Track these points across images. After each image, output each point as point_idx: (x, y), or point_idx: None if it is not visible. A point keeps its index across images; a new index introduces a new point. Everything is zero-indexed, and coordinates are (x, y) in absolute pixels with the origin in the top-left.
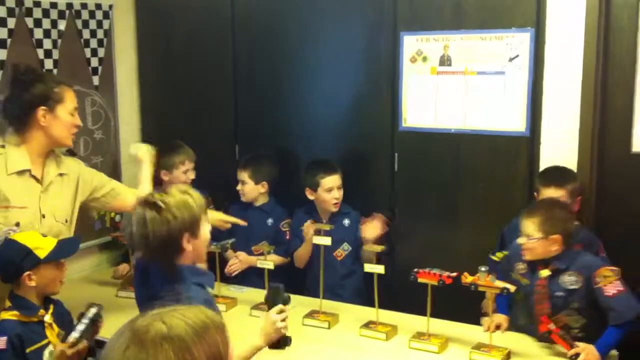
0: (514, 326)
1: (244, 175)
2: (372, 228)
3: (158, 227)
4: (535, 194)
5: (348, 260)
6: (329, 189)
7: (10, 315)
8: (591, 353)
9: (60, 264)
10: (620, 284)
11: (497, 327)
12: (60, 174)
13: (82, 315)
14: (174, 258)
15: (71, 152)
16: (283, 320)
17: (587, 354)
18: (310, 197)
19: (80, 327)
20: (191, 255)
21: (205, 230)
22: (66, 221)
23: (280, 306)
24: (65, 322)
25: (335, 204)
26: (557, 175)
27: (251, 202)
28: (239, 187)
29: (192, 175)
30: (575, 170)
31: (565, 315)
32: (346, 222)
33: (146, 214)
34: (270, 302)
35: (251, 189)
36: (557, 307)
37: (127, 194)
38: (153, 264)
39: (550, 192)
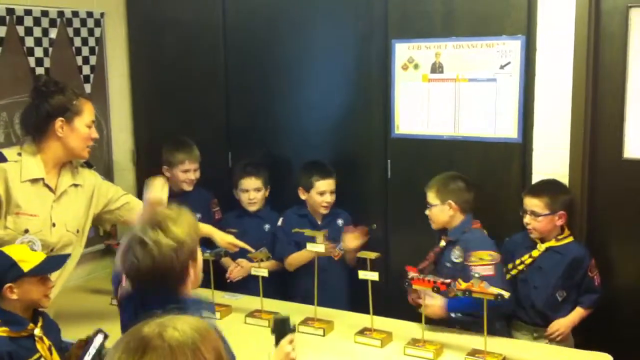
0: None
1: (257, 183)
2: (353, 238)
3: (165, 253)
4: None
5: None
6: (322, 192)
7: (0, 331)
8: (437, 306)
9: (45, 279)
10: (491, 269)
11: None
12: (75, 185)
13: (87, 343)
14: (177, 287)
15: (88, 164)
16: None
17: (433, 306)
18: (302, 196)
19: (88, 358)
20: (193, 281)
21: (200, 254)
22: (77, 231)
23: (290, 336)
24: (53, 332)
25: (326, 207)
26: (537, 185)
27: (248, 209)
28: (252, 196)
29: (192, 176)
30: (567, 181)
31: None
32: (339, 222)
33: (151, 238)
34: (278, 334)
35: (263, 196)
36: (444, 277)
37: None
38: (153, 295)
39: (528, 201)
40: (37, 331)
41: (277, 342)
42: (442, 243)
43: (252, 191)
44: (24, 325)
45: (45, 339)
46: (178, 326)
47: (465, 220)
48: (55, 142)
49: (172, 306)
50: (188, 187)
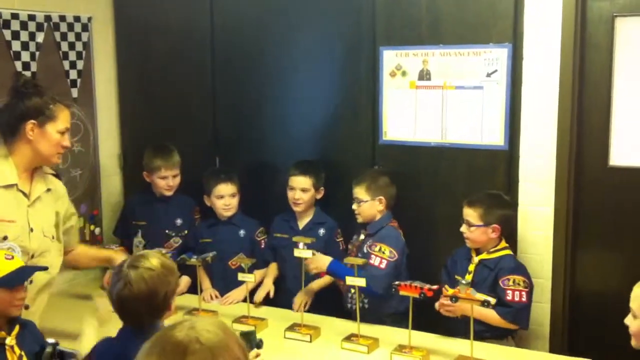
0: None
1: (233, 189)
2: (320, 261)
3: (155, 276)
4: None
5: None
6: (292, 188)
7: None
8: (321, 260)
9: (15, 288)
10: (383, 262)
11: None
12: (48, 189)
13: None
14: (160, 315)
15: (57, 176)
16: None
17: (319, 261)
18: (288, 196)
19: None
20: (168, 314)
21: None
22: (53, 237)
23: (256, 350)
24: (32, 342)
25: (294, 204)
26: (476, 196)
27: (220, 217)
28: (227, 202)
29: (170, 182)
30: (553, 188)
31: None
32: (321, 231)
33: (142, 264)
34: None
35: (237, 203)
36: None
37: (75, 238)
38: (138, 325)
39: (465, 210)
40: (9, 340)
41: None
42: (362, 237)
43: (227, 197)
44: None
45: (16, 348)
46: (209, 328)
47: (385, 216)
48: (25, 145)
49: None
50: (168, 193)
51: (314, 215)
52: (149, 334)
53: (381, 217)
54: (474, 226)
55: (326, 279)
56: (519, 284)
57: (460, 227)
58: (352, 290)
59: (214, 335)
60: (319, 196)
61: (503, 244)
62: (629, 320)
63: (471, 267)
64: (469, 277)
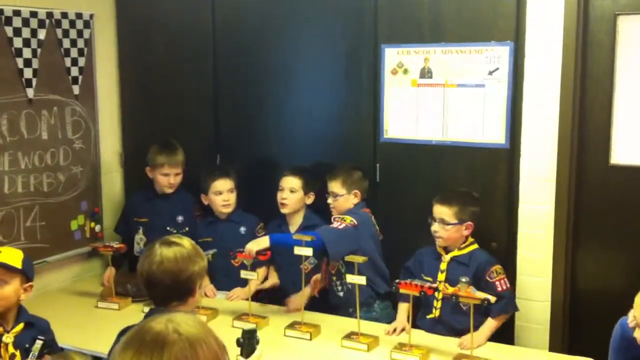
0: None
1: (230, 184)
2: (297, 300)
3: (189, 264)
4: None
5: (314, 273)
6: (281, 188)
7: None
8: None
9: None
10: (342, 224)
11: (402, 330)
12: None
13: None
14: (185, 298)
15: None
16: None
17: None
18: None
19: None
20: (193, 302)
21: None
22: None
23: (259, 351)
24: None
25: (281, 204)
26: (447, 194)
27: (219, 215)
28: (226, 197)
29: (172, 180)
30: (554, 186)
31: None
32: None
33: (176, 251)
34: (245, 346)
35: (235, 199)
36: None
37: None
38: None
39: (437, 208)
40: (6, 337)
41: (242, 353)
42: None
43: (225, 192)
44: None
45: (10, 347)
46: (188, 321)
47: (358, 205)
48: None
49: None
50: (168, 190)
51: (304, 219)
52: None
53: (355, 206)
54: (450, 224)
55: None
56: (500, 273)
57: (432, 226)
58: (335, 278)
59: (192, 328)
60: (308, 201)
61: (470, 238)
62: (637, 334)
63: (443, 266)
64: (441, 276)
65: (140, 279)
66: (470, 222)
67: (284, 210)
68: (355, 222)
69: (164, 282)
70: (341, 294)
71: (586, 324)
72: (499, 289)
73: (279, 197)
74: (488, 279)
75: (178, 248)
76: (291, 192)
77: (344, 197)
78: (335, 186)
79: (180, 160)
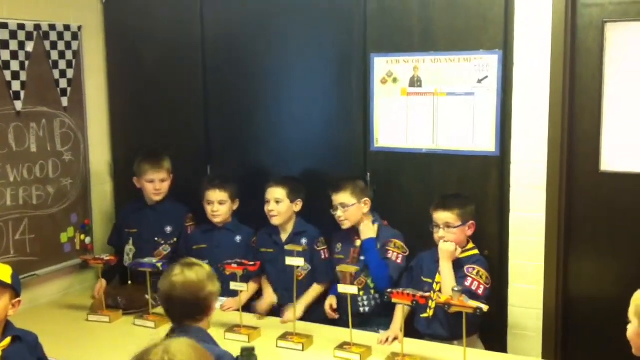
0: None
1: (223, 195)
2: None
3: (208, 283)
4: None
5: (308, 279)
6: (267, 200)
7: None
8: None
9: None
10: (399, 257)
11: (395, 339)
12: None
13: None
14: (203, 315)
15: None
16: None
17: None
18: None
19: None
20: (208, 321)
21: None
22: None
23: None
24: (29, 357)
25: (271, 216)
26: (445, 199)
27: (215, 223)
28: (215, 209)
29: (158, 186)
30: (544, 193)
31: (364, 276)
32: (303, 241)
33: (198, 271)
34: None
35: (229, 209)
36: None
37: None
38: (180, 329)
39: (439, 215)
40: None
41: None
42: (358, 243)
43: (215, 203)
44: None
45: None
46: (182, 349)
47: (376, 218)
48: None
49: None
50: (157, 197)
51: (294, 226)
52: (196, 335)
53: (373, 219)
54: (455, 227)
55: (316, 291)
56: (481, 277)
57: (436, 233)
58: (361, 293)
59: (187, 357)
60: (296, 209)
61: (471, 244)
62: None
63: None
64: (439, 278)
65: (161, 296)
66: (472, 221)
67: (274, 222)
68: (406, 250)
69: (184, 299)
70: (366, 309)
71: (579, 331)
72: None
73: (267, 209)
74: (465, 270)
75: (199, 268)
76: (277, 203)
77: (355, 207)
78: (344, 197)
79: (164, 166)
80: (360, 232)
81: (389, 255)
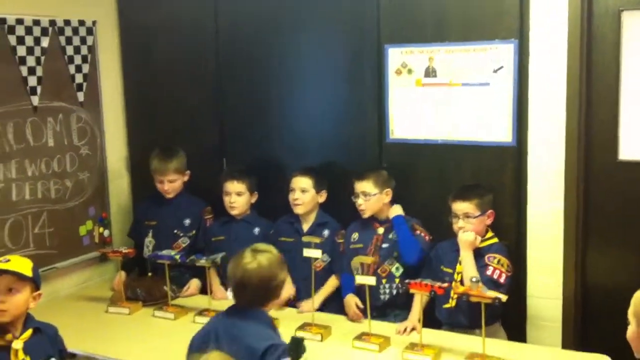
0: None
1: (240, 187)
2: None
3: (278, 270)
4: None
5: (326, 271)
6: (292, 189)
7: None
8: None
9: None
10: (425, 234)
11: (413, 329)
12: None
13: None
14: (272, 298)
15: None
16: None
17: None
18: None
19: None
20: (278, 302)
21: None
22: None
23: (305, 356)
24: (50, 349)
25: (295, 205)
26: (463, 190)
27: (234, 216)
28: (232, 200)
29: (166, 187)
30: (562, 184)
31: (388, 264)
32: (325, 232)
33: (274, 256)
34: (293, 352)
35: (246, 201)
36: (382, 257)
37: None
38: (243, 311)
39: (458, 205)
40: (15, 343)
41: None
42: (381, 230)
43: (233, 194)
44: None
45: (20, 352)
46: None
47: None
48: None
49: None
50: (167, 195)
51: (317, 217)
52: (254, 318)
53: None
54: (475, 217)
55: (332, 284)
56: (502, 265)
57: (455, 224)
58: (384, 281)
59: None
60: (320, 200)
61: (490, 232)
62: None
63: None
64: (460, 268)
65: (232, 282)
66: (491, 211)
67: (298, 211)
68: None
69: (256, 287)
70: (386, 297)
71: (598, 321)
72: (495, 276)
73: (291, 197)
74: (486, 259)
75: (270, 255)
76: (302, 192)
77: (376, 197)
78: (367, 186)
79: (172, 167)
80: (390, 212)
81: (418, 233)
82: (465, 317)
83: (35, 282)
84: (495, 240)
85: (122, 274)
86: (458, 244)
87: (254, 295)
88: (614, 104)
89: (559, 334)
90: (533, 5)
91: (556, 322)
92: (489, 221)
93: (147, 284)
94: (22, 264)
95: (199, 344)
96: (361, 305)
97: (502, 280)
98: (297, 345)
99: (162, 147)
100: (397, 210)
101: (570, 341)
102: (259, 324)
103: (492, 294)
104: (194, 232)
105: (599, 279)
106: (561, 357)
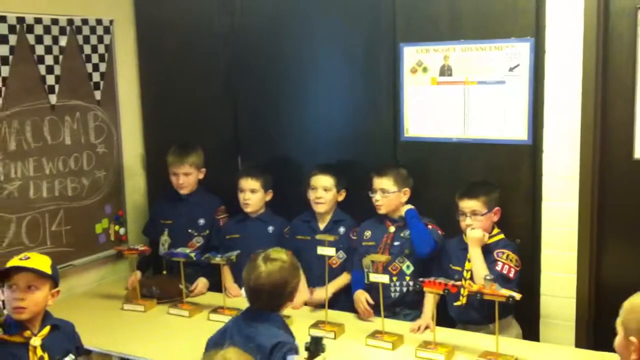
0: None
1: (254, 184)
2: (320, 294)
3: (291, 277)
4: None
5: (342, 268)
6: (314, 187)
7: None
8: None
9: (14, 288)
10: (513, 273)
11: (426, 328)
12: None
13: None
14: (285, 302)
15: None
16: None
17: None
18: (309, 197)
19: None
20: (290, 304)
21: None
22: None
23: (323, 355)
24: (68, 345)
25: (317, 203)
26: (470, 187)
27: (248, 213)
28: (247, 197)
29: (181, 180)
30: (577, 182)
31: (399, 262)
32: (341, 229)
33: (286, 264)
34: (311, 351)
35: (260, 198)
36: (393, 254)
37: None
38: (258, 314)
39: (465, 203)
40: (34, 340)
41: (309, 357)
42: (392, 229)
43: (247, 192)
44: (17, 329)
45: (39, 349)
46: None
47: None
48: None
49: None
50: (181, 191)
51: (333, 215)
52: (268, 320)
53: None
54: (482, 215)
55: (343, 280)
56: (511, 260)
57: (463, 222)
58: (395, 279)
59: None
60: (340, 198)
61: (497, 229)
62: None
63: (470, 256)
64: (469, 265)
65: (246, 288)
66: (498, 207)
67: (319, 209)
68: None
69: (270, 292)
70: (397, 294)
71: (611, 320)
72: (504, 271)
73: (313, 196)
74: (495, 255)
75: (281, 263)
76: (325, 191)
77: (394, 195)
78: (386, 183)
79: (189, 160)
80: (402, 209)
81: (430, 227)
82: (477, 313)
83: (54, 280)
84: (502, 236)
85: (138, 273)
86: (466, 241)
87: (267, 301)
88: (629, 102)
89: (573, 333)
90: (549, 3)
91: (570, 321)
92: (495, 218)
93: (162, 281)
94: (41, 262)
95: (214, 343)
96: (372, 302)
97: (511, 275)
98: (317, 344)
99: (179, 143)
100: (407, 205)
101: (584, 340)
102: (271, 325)
103: (506, 292)
104: (207, 231)
105: (613, 278)
106: (574, 356)
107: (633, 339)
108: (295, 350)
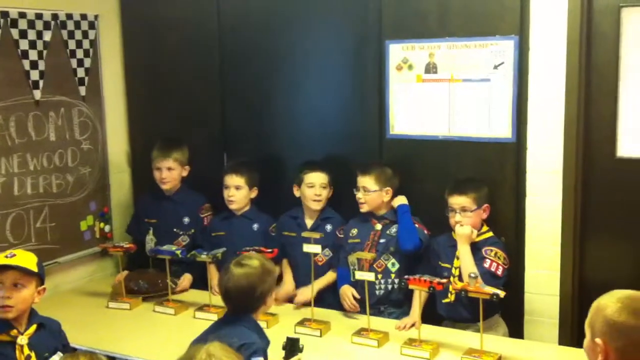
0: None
1: (239, 181)
2: (306, 293)
3: (258, 283)
4: None
5: (328, 266)
6: (311, 185)
7: None
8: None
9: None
10: (501, 271)
11: (412, 325)
12: None
13: None
14: (257, 307)
15: None
16: None
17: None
18: (297, 194)
19: None
20: (264, 309)
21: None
22: None
23: (299, 355)
24: (54, 343)
25: (316, 201)
26: (460, 184)
27: (233, 211)
28: (231, 193)
29: (164, 175)
30: (561, 179)
31: (384, 259)
32: (328, 227)
33: (254, 269)
34: (288, 351)
35: (245, 195)
36: (379, 252)
37: None
38: (236, 312)
39: (455, 199)
40: (20, 339)
41: (286, 357)
42: (379, 226)
43: (232, 188)
44: (3, 329)
45: (25, 348)
46: (226, 355)
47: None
48: None
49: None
50: (164, 187)
51: (323, 211)
52: (241, 323)
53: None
54: (472, 211)
55: (328, 278)
56: (499, 258)
57: (452, 218)
58: (380, 276)
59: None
60: (329, 195)
61: (486, 226)
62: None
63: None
64: (457, 263)
65: (220, 291)
66: (487, 205)
67: (317, 207)
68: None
69: (237, 297)
70: (381, 292)
71: None
72: (486, 265)
73: (311, 193)
74: (483, 252)
75: (249, 269)
76: (323, 188)
77: (376, 194)
78: (368, 182)
79: (173, 155)
80: (394, 201)
81: (417, 226)
82: (466, 310)
83: (40, 277)
84: (491, 234)
85: (124, 273)
86: (454, 238)
87: (236, 304)
88: (613, 100)
89: (556, 330)
90: (533, 1)
91: (553, 319)
92: (485, 215)
93: (149, 276)
94: (27, 259)
95: (197, 341)
96: (357, 296)
97: (499, 272)
98: (293, 344)
99: (164, 137)
100: (401, 199)
101: (567, 337)
102: (242, 327)
103: (490, 289)
104: (193, 230)
105: (597, 275)
106: (558, 353)
107: (599, 340)
108: (261, 352)
